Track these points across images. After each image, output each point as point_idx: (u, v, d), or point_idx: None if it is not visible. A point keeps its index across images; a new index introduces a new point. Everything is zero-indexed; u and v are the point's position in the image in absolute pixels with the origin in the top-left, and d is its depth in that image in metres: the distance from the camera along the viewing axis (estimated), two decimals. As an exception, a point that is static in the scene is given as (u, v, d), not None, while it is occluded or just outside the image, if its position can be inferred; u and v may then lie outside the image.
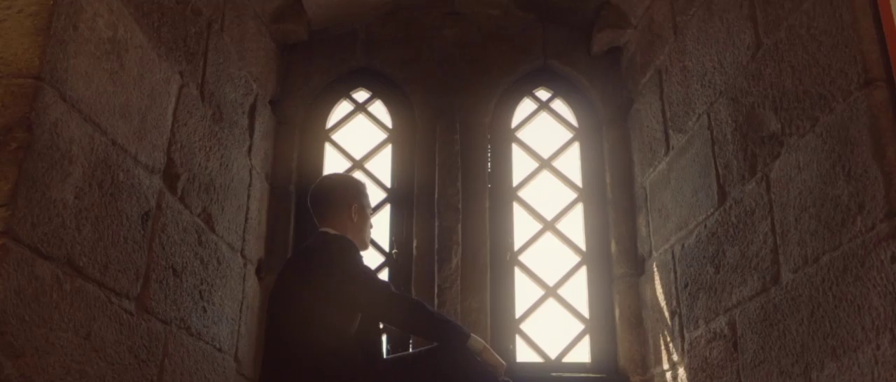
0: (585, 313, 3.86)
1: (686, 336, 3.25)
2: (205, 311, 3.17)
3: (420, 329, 2.80)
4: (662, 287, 3.51)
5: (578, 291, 3.90)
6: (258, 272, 3.77)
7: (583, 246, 3.97)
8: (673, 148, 3.50)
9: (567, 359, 3.79)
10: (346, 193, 3.01)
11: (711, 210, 3.10)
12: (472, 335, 2.77)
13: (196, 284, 3.12)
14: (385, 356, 2.99)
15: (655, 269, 3.60)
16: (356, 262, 2.79)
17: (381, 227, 4.02)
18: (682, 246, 3.33)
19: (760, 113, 2.80)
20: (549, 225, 3.99)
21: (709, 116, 3.17)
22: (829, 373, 2.34)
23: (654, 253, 3.62)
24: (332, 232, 2.93)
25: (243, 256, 3.58)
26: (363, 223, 3.03)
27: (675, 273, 3.39)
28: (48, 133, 2.28)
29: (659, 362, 3.52)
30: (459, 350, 2.73)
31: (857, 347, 2.22)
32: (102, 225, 2.52)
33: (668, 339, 3.42)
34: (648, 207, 3.73)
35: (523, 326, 3.82)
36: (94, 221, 2.48)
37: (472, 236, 3.85)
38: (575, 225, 4.04)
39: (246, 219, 3.63)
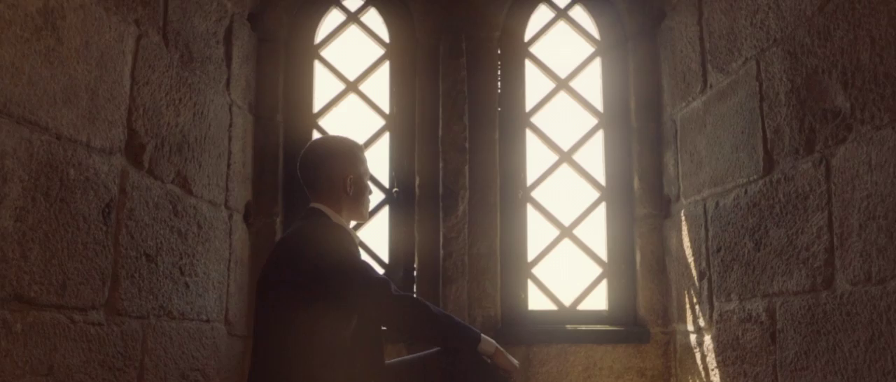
0: (603, 256, 3.56)
1: (715, 305, 2.97)
2: (187, 287, 2.88)
3: (425, 335, 2.51)
4: (691, 242, 3.19)
5: (596, 232, 3.59)
6: (246, 218, 3.44)
7: (602, 181, 3.61)
8: (711, 87, 3.05)
9: (582, 307, 3.54)
10: (340, 164, 2.61)
11: (754, 176, 2.72)
12: (483, 336, 2.49)
13: (175, 261, 2.81)
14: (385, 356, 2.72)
15: (683, 218, 3.26)
16: (351, 259, 2.45)
17: (380, 158, 3.66)
18: (717, 204, 2.98)
19: (825, 82, 2.35)
20: (565, 157, 3.61)
21: (758, 64, 2.71)
22: (887, 416, 2.07)
23: (684, 201, 3.26)
24: (324, 211, 2.58)
25: (228, 207, 3.24)
26: (359, 195, 2.66)
27: (707, 231, 3.05)
28: (-30, 157, 1.89)
29: (682, 319, 3.27)
30: (469, 354, 2.46)
31: (927, 401, 1.94)
32: (54, 240, 2.18)
33: (695, 300, 3.14)
34: (678, 145, 3.33)
35: (536, 270, 3.54)
36: (42, 240, 2.13)
37: (480, 173, 3.48)
38: (594, 157, 3.66)
39: (228, 165, 3.25)
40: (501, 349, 2.51)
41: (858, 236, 2.19)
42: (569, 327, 3.42)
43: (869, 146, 2.16)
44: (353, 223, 2.74)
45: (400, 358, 2.62)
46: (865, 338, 2.16)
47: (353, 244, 2.53)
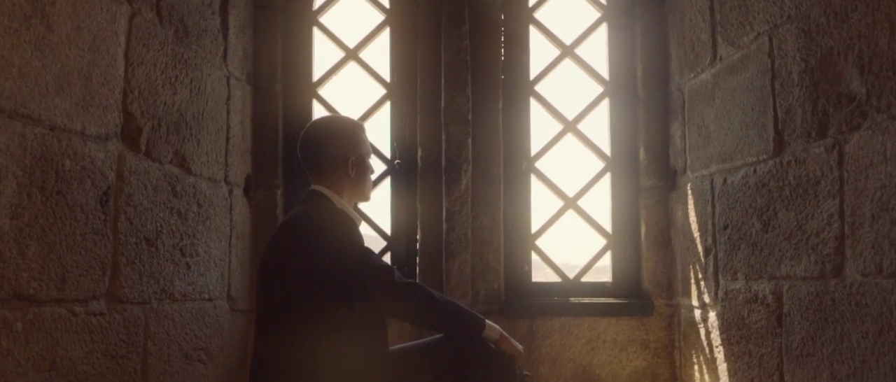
0: (608, 227, 3.53)
1: (721, 282, 2.95)
2: (188, 267, 2.86)
3: (430, 322, 2.50)
4: (697, 217, 3.15)
5: (601, 203, 3.55)
6: (246, 191, 3.40)
7: (607, 151, 3.55)
8: (721, 59, 2.97)
9: (586, 279, 3.52)
10: (342, 146, 2.57)
11: (764, 156, 2.66)
12: (488, 322, 2.47)
13: (175, 243, 2.77)
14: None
15: (690, 192, 3.21)
16: (353, 246, 2.41)
17: (381, 128, 3.59)
18: (725, 180, 2.93)
19: (840, 65, 2.28)
20: (570, 126, 3.54)
21: (771, 41, 2.63)
22: (894, 411, 2.06)
23: (690, 174, 3.21)
24: (326, 194, 2.54)
25: (228, 182, 3.19)
26: (362, 176, 2.62)
27: (714, 207, 3.01)
28: (-39, 158, 1.84)
29: (687, 293, 3.25)
30: (474, 341, 2.45)
31: (936, 400, 1.92)
32: (52, 234, 2.14)
33: (700, 276, 3.12)
34: (686, 117, 3.27)
35: (540, 242, 3.51)
36: (39, 235, 2.09)
37: (483, 144, 3.42)
38: (600, 126, 3.60)
39: (227, 140, 3.19)
40: (506, 334, 2.50)
41: (870, 227, 2.15)
42: (573, 300, 3.40)
43: (884, 135, 2.10)
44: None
45: (404, 345, 2.61)
46: (874, 331, 2.13)
47: (356, 229, 2.49)
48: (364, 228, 3.66)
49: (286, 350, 2.39)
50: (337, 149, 2.57)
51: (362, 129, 2.69)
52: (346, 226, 2.45)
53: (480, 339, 2.45)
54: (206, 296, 2.99)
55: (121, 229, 2.46)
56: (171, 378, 2.73)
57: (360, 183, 2.62)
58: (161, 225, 2.68)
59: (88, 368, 2.30)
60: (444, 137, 3.39)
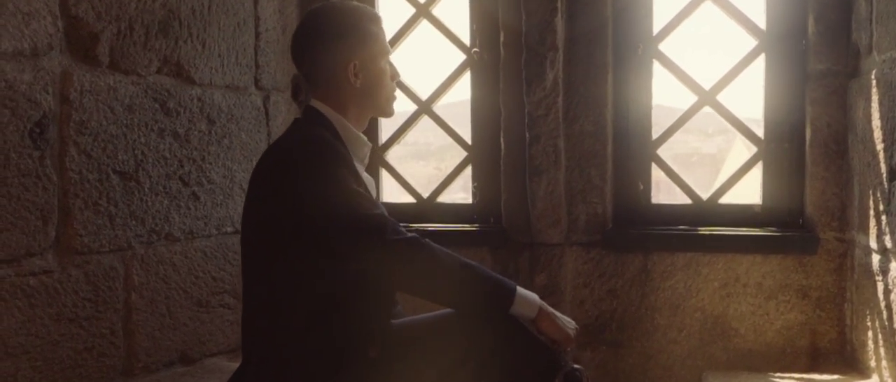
0: (758, 131, 2.57)
1: (911, 223, 1.97)
2: (196, 198, 2.38)
3: (431, 293, 1.81)
4: (882, 121, 2.13)
5: (750, 97, 2.59)
6: (296, 95, 2.83)
7: (761, 24, 2.54)
8: None
9: (725, 200, 2.62)
10: (339, 47, 1.90)
11: None
12: (519, 291, 1.75)
13: (171, 171, 2.29)
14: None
15: (875, 83, 2.18)
16: (334, 189, 1.77)
17: (459, 6, 2.83)
18: (924, 69, 1.90)
19: None
20: (708, -10, 2.57)
21: None
22: None
23: (877, 56, 2.17)
24: (324, 113, 1.93)
25: (260, 88, 2.63)
26: (373, 84, 1.94)
27: (906, 109, 1.99)
28: None
29: (864, 228, 2.27)
30: (498, 319, 1.76)
31: None
32: (-55, 185, 1.71)
33: (882, 207, 2.14)
34: (875, -31, 2.19)
35: (662, 151, 2.64)
36: (-77, 189, 1.67)
37: (581, 22, 2.55)
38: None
39: (257, 36, 2.61)
40: (549, 309, 1.78)
41: None
42: (703, 230, 2.55)
43: None
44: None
45: (413, 317, 1.96)
46: None
47: (343, 165, 1.82)
48: (440, 136, 3.00)
49: (269, 313, 1.86)
50: (333, 51, 1.91)
51: (373, 20, 1.98)
52: (329, 162, 1.80)
53: (508, 317, 1.75)
54: (229, 229, 2.51)
55: (70, 166, 2.00)
56: (174, 333, 2.32)
57: (370, 94, 1.95)
58: (143, 153, 2.20)
59: (30, 340, 1.91)
60: (523, 18, 2.56)
